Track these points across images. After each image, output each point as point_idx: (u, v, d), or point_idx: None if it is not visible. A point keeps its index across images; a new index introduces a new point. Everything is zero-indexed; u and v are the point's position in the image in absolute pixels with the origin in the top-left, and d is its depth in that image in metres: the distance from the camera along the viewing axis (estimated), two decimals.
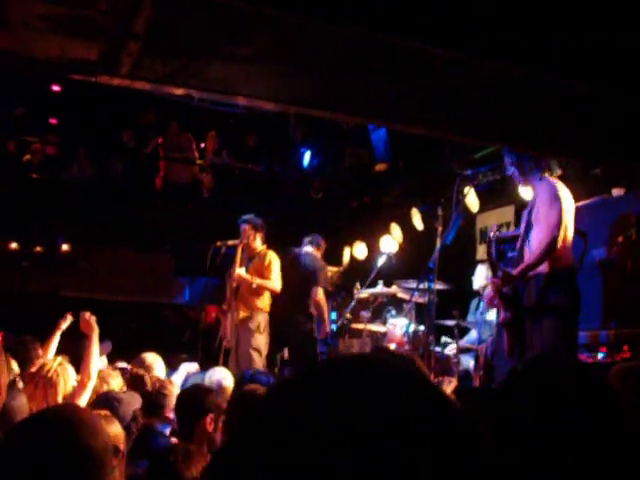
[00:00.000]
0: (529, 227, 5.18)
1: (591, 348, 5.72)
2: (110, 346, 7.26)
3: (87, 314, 5.35)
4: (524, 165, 5.20)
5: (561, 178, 5.25)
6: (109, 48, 3.12)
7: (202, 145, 12.90)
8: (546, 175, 5.19)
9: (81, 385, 4.33)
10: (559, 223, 4.97)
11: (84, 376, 4.57)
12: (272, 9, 2.94)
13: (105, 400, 4.03)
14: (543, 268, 5.01)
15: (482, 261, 7.76)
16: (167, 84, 3.36)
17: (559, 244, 4.95)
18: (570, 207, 5.06)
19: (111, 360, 7.07)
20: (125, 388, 4.86)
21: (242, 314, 7.76)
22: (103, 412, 3.14)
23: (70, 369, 4.37)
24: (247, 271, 7.81)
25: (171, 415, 4.50)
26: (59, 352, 5.86)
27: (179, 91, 3.73)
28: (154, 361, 5.90)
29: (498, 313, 5.47)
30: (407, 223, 9.94)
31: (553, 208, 5.02)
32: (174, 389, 4.77)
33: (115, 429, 2.91)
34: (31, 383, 4.11)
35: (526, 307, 5.06)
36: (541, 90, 4.21)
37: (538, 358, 1.77)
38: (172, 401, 4.49)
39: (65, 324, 6.23)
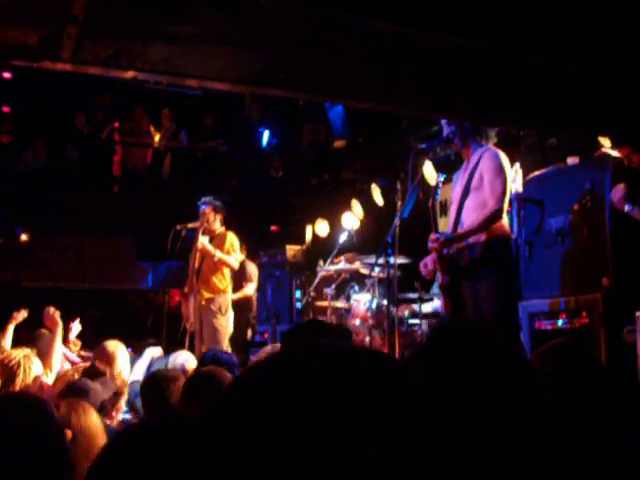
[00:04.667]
0: (466, 192, 5.28)
1: (551, 315, 5.78)
2: (79, 327, 7.16)
3: (51, 309, 5.33)
4: (464, 131, 5.29)
5: (516, 147, 5.32)
6: (48, 32, 3.05)
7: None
8: (484, 142, 5.30)
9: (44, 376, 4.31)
10: (505, 193, 5.10)
11: (46, 369, 4.55)
12: None
13: (74, 389, 3.99)
14: (480, 235, 5.13)
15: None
16: (111, 67, 3.30)
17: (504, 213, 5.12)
18: (511, 178, 5.22)
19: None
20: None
21: (204, 296, 7.78)
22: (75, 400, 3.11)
23: (36, 362, 4.33)
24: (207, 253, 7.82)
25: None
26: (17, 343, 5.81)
27: (127, 75, 3.66)
28: (116, 349, 5.85)
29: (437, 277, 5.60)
30: (367, 199, 9.96)
31: (498, 178, 5.13)
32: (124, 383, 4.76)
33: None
34: None
35: (463, 270, 5.18)
36: (493, 62, 4.22)
37: (442, 325, 1.75)
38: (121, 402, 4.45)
39: (20, 316, 6.16)
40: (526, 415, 1.32)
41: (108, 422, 4.23)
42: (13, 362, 4.13)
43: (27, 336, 5.98)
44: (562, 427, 1.85)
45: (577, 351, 2.53)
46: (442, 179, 5.59)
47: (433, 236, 5.30)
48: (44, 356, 4.93)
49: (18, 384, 4.06)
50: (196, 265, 7.92)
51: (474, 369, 1.32)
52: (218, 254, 7.75)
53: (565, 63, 4.23)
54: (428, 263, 5.51)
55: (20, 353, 4.28)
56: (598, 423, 1.96)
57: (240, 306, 8.56)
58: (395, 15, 3.55)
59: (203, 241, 7.80)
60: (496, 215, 5.13)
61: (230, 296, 7.99)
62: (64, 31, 3.01)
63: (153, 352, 6.61)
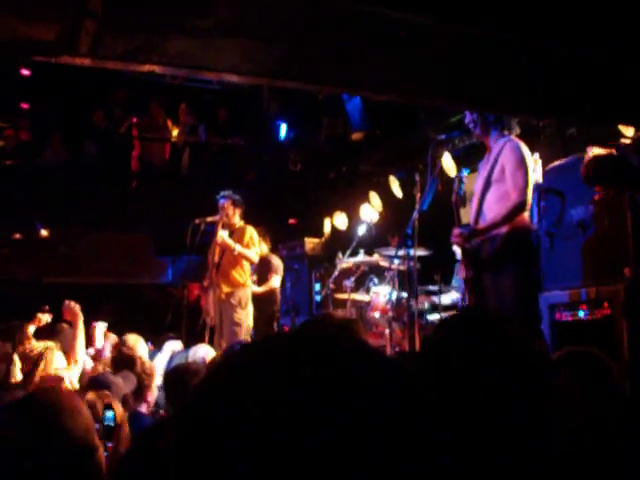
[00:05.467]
0: (488, 185, 5.23)
1: (572, 306, 5.74)
2: (105, 325, 7.14)
3: (71, 302, 5.35)
4: (486, 121, 5.24)
5: (536, 137, 5.28)
6: (66, 28, 3.06)
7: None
8: (506, 133, 5.24)
9: (68, 369, 4.34)
10: (527, 185, 5.05)
11: (71, 361, 4.58)
12: None
13: (96, 383, 4.01)
14: (501, 227, 5.10)
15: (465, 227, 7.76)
16: (129, 61, 3.30)
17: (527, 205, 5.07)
18: (533, 170, 5.18)
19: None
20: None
21: (224, 290, 7.78)
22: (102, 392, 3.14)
23: (58, 355, 4.36)
24: (227, 247, 7.83)
25: (149, 397, 4.48)
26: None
27: (144, 68, 3.66)
28: (136, 343, 5.87)
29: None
30: (386, 191, 9.94)
31: (520, 170, 5.08)
32: (154, 372, 4.76)
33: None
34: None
35: (484, 263, 5.14)
36: (509, 53, 4.19)
37: (449, 318, 1.73)
38: (152, 384, 4.48)
39: (44, 319, 6.18)
40: (536, 408, 1.30)
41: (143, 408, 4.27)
42: (35, 352, 4.16)
43: (47, 331, 6.00)
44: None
45: (593, 364, 2.49)
46: (465, 174, 5.55)
47: (456, 231, 5.26)
48: (67, 350, 4.95)
49: (38, 374, 4.08)
50: (216, 259, 7.93)
51: (482, 360, 1.31)
52: (238, 248, 7.75)
53: (581, 50, 4.20)
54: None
55: (42, 345, 4.31)
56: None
57: (265, 299, 8.54)
58: (411, 4, 3.54)
59: (223, 235, 7.81)
60: (519, 208, 5.08)
61: (250, 290, 7.99)
62: (82, 26, 3.02)
63: (173, 346, 6.64)
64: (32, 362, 4.14)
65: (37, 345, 4.32)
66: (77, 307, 5.23)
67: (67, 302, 5.43)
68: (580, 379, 2.36)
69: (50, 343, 4.50)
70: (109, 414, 3.40)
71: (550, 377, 1.39)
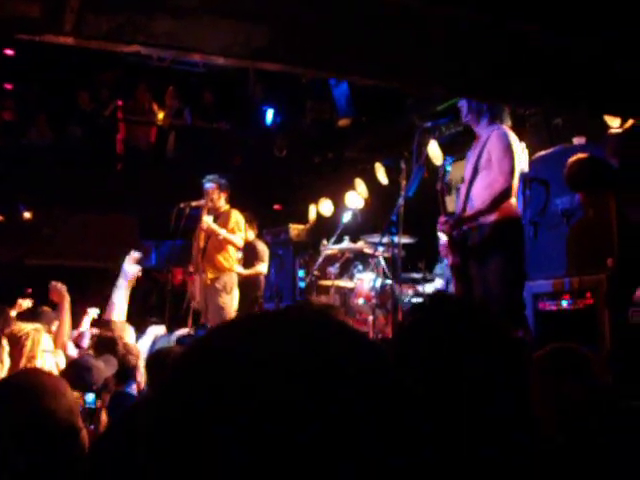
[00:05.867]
0: (475, 172, 5.23)
1: (555, 296, 5.76)
2: (96, 312, 7.05)
3: (58, 284, 5.29)
4: (478, 108, 5.23)
5: (522, 127, 5.27)
6: (51, 5, 3.02)
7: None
8: (497, 122, 5.23)
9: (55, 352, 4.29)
10: (513, 172, 5.05)
11: (57, 343, 4.53)
12: None
13: (75, 367, 3.99)
14: (489, 215, 5.09)
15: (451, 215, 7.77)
16: (114, 41, 3.27)
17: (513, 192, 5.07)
18: (520, 158, 5.15)
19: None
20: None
21: (210, 275, 7.76)
22: None
23: (45, 337, 4.30)
24: (212, 232, 7.80)
25: (139, 377, 4.46)
26: None
27: (130, 48, 3.62)
28: (122, 328, 5.85)
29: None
30: (371, 178, 9.93)
31: (506, 156, 5.07)
32: (139, 352, 4.74)
33: None
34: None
35: (471, 250, 5.14)
36: (503, 39, 4.18)
37: (427, 303, 1.70)
38: (139, 364, 4.46)
39: (25, 304, 6.11)
40: (522, 400, 1.29)
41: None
42: (22, 333, 4.09)
43: (28, 314, 5.93)
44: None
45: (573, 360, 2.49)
46: (450, 162, 5.54)
47: (442, 219, 5.25)
48: (52, 332, 4.90)
49: (25, 354, 4.02)
50: (201, 244, 7.90)
51: (465, 349, 1.28)
52: (223, 233, 7.73)
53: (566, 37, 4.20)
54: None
55: (30, 326, 4.24)
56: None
57: (248, 284, 8.53)
58: None
59: (207, 220, 7.77)
60: (505, 194, 5.07)
61: (235, 275, 7.98)
62: (66, 4, 2.98)
63: (156, 330, 6.61)
64: (19, 342, 4.08)
65: (24, 326, 4.25)
66: (64, 288, 5.18)
67: (54, 283, 5.37)
68: (560, 374, 2.36)
69: (38, 325, 4.43)
70: (90, 397, 3.39)
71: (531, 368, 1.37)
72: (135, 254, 6.73)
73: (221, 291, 7.75)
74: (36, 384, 1.96)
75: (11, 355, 4.03)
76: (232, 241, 7.81)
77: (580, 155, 5.29)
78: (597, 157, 5.28)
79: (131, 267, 6.26)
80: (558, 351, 2.50)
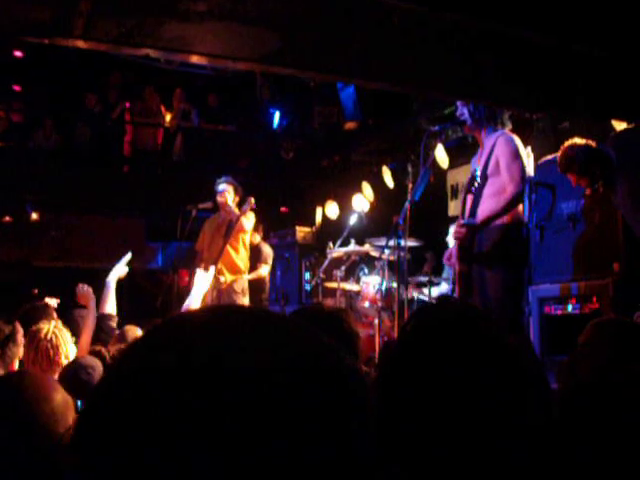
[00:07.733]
0: (483, 179, 5.19)
1: (561, 300, 5.77)
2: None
3: (85, 286, 5.23)
4: (479, 115, 5.20)
5: (528, 131, 5.26)
6: (61, 9, 3.04)
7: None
8: (499, 127, 5.21)
9: (80, 350, 4.24)
10: (523, 177, 5.01)
11: (82, 343, 4.48)
12: None
13: (78, 367, 3.95)
14: (497, 220, 5.07)
15: (455, 219, 7.78)
16: (123, 45, 3.28)
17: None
18: (526, 163, 5.15)
19: None
20: None
21: (228, 278, 7.73)
22: None
23: (65, 331, 4.17)
24: (231, 234, 7.68)
25: None
26: None
27: (139, 52, 3.64)
28: (135, 334, 5.80)
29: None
30: (378, 181, 9.94)
31: (515, 162, 5.02)
32: None
33: None
34: (30, 346, 3.90)
35: (475, 256, 5.12)
36: (505, 44, 4.19)
37: (423, 311, 1.70)
38: None
39: (52, 302, 6.04)
40: (512, 405, 1.29)
41: None
42: (50, 334, 3.91)
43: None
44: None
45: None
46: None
47: (461, 229, 5.18)
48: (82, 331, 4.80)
49: (62, 355, 3.89)
50: (219, 247, 7.77)
51: (453, 355, 1.29)
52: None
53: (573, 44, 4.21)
54: (453, 254, 5.37)
55: (50, 325, 4.04)
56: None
57: (253, 287, 8.54)
58: None
59: (243, 220, 7.66)
60: (516, 199, 5.01)
61: (247, 278, 8.00)
62: (76, 8, 3.00)
63: None
64: (52, 343, 3.95)
65: (47, 327, 4.08)
66: (90, 290, 5.11)
67: (80, 285, 5.29)
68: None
69: (53, 322, 4.30)
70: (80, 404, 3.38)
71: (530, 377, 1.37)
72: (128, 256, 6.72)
73: (239, 294, 7.74)
74: (21, 388, 1.94)
75: (47, 356, 3.91)
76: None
77: (576, 140, 5.29)
78: (593, 146, 5.27)
79: (122, 267, 6.24)
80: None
